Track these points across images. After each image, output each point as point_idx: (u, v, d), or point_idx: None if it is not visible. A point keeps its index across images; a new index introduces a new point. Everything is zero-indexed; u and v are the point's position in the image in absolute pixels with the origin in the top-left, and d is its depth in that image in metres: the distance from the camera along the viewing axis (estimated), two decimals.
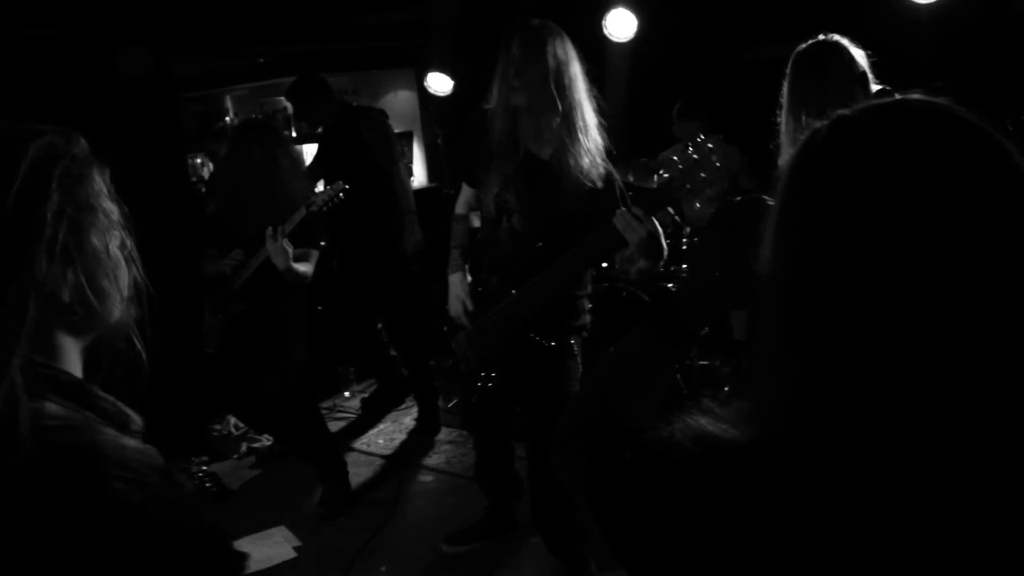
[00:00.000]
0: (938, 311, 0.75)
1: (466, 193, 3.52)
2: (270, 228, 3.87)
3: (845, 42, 3.06)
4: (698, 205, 5.27)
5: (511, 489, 3.89)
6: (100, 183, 1.13)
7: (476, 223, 3.53)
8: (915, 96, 0.84)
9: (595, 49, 5.92)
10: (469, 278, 3.41)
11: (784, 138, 3.15)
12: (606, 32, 5.74)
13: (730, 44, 5.96)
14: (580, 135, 3.03)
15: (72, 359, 1.11)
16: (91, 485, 0.99)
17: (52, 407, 1.01)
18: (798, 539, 0.80)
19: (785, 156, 3.14)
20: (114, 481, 0.99)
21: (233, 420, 5.47)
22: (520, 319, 3.15)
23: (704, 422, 0.92)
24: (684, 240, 5.17)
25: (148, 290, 1.20)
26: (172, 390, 4.36)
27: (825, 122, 0.86)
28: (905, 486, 0.77)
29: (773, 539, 0.81)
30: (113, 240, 1.13)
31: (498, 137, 3.14)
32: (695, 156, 2.55)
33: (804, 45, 3.07)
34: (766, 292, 0.87)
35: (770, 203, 1.02)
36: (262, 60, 7.59)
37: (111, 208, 1.14)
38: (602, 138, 3.12)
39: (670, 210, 5.21)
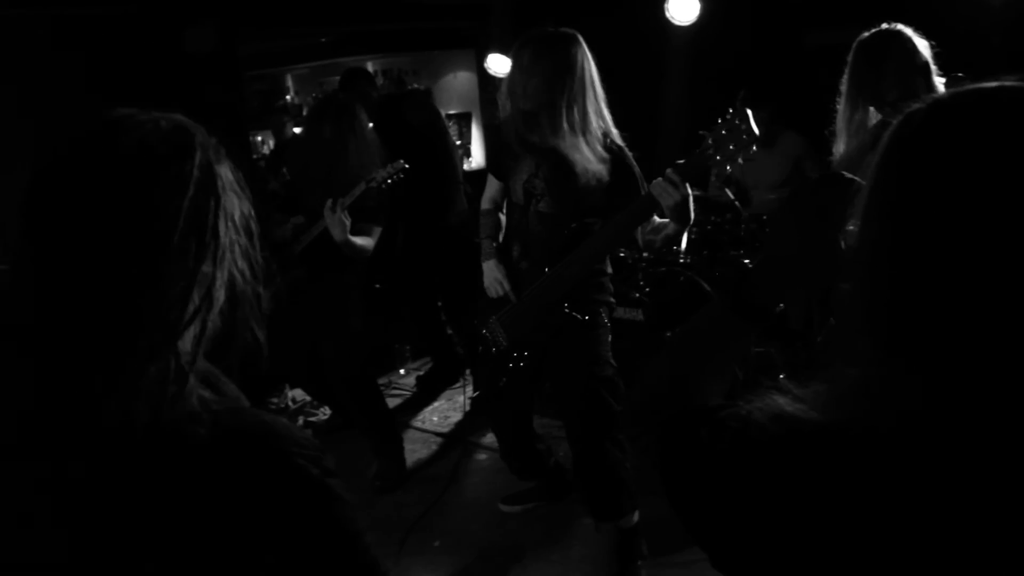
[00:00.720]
0: None
1: (492, 188, 3.69)
2: (329, 200, 3.95)
3: (909, 32, 3.02)
4: (771, 196, 5.24)
5: (538, 467, 4.01)
6: (228, 169, 1.14)
7: (502, 218, 3.70)
8: (1012, 83, 0.83)
9: (657, 32, 5.91)
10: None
11: (840, 124, 3.13)
12: (668, 15, 5.70)
13: (794, 28, 5.88)
14: (581, 137, 3.17)
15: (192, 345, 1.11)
16: (280, 462, 1.04)
17: (204, 392, 1.06)
18: (885, 525, 0.79)
19: (840, 143, 3.11)
20: (297, 457, 1.04)
21: (291, 393, 5.57)
22: (553, 297, 3.30)
23: (782, 402, 0.92)
24: (743, 226, 5.13)
25: (271, 273, 1.23)
26: (230, 363, 4.43)
27: (920, 105, 0.85)
28: (1017, 480, 0.75)
29: (854, 523, 0.81)
30: (236, 223, 1.13)
31: (513, 139, 3.33)
32: (723, 130, 2.75)
33: (867, 33, 3.04)
34: (852, 271, 0.87)
35: (849, 179, 1.01)
36: (324, 40, 7.65)
37: (241, 194, 1.15)
38: (608, 134, 3.26)
39: (730, 194, 5.20)
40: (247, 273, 1.14)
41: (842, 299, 0.88)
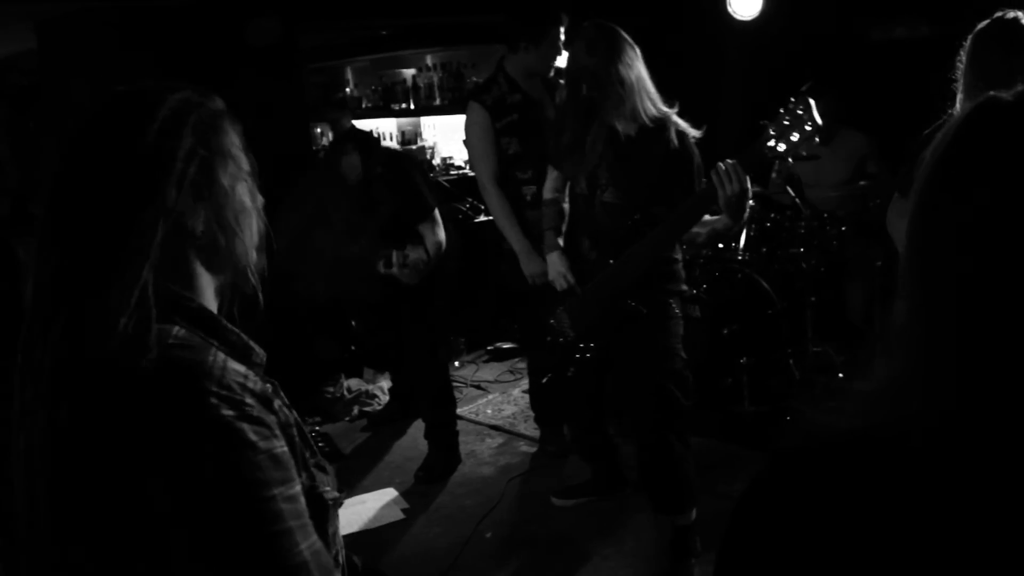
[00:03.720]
0: None
1: (552, 178, 3.67)
2: (381, 263, 4.23)
3: None
4: (831, 193, 5.16)
5: (610, 455, 4.06)
6: (233, 135, 1.29)
7: (565, 207, 3.67)
8: None
9: (719, 27, 5.86)
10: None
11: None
12: (730, 10, 5.65)
13: (860, 24, 5.78)
14: (644, 115, 3.22)
15: (207, 294, 1.26)
16: (191, 396, 1.10)
17: (178, 329, 1.16)
18: (923, 535, 0.77)
19: None
20: (211, 396, 1.10)
21: (346, 383, 5.63)
22: (619, 287, 3.30)
23: (815, 414, 0.89)
24: (803, 224, 5.07)
25: (270, 239, 1.35)
26: (287, 350, 4.51)
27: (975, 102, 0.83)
28: None
29: (892, 534, 0.79)
30: (241, 186, 1.27)
31: (573, 124, 3.35)
32: (785, 120, 2.78)
33: (988, 21, 2.94)
34: (901, 267, 0.86)
35: None
36: (384, 32, 7.70)
37: (242, 157, 1.29)
38: (666, 116, 3.28)
39: (790, 191, 5.14)
40: (249, 229, 1.29)
41: (896, 291, 0.87)
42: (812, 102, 2.79)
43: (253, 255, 1.30)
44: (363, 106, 8.25)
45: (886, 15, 5.71)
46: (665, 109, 3.26)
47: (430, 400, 4.67)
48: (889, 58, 5.63)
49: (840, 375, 4.78)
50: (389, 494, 4.36)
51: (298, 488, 1.15)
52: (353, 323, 5.92)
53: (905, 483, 0.79)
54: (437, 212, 4.43)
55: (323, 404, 5.42)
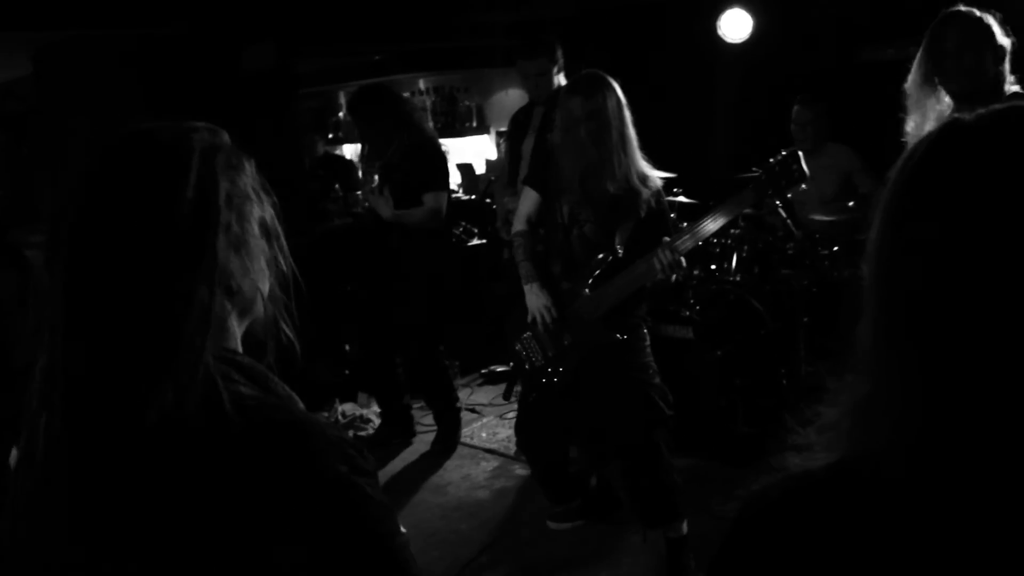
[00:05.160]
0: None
1: (529, 203, 3.69)
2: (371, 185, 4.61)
3: (982, 13, 3.06)
4: (818, 216, 5.19)
5: (573, 491, 4.11)
6: (252, 171, 1.19)
7: (537, 235, 3.72)
8: None
9: (709, 50, 5.91)
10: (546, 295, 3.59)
11: (911, 102, 3.17)
12: (720, 33, 5.71)
13: (849, 45, 5.83)
14: (634, 177, 3.38)
15: (238, 345, 1.18)
16: (308, 458, 1.05)
17: (245, 389, 1.08)
18: (899, 562, 0.79)
19: (910, 122, 3.16)
20: (324, 455, 1.06)
21: (340, 408, 5.62)
22: (592, 317, 3.43)
23: (791, 459, 0.91)
24: (794, 244, 5.09)
25: (296, 277, 1.25)
26: (281, 375, 4.52)
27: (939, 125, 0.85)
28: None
29: (875, 562, 0.80)
30: (262, 226, 1.19)
31: (567, 175, 3.44)
32: (776, 168, 3.04)
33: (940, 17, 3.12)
34: (865, 290, 0.87)
35: None
36: (377, 58, 7.74)
37: (261, 194, 1.20)
38: (646, 177, 3.45)
39: (782, 213, 5.17)
40: (271, 276, 1.20)
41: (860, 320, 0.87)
42: (801, 155, 3.01)
43: (264, 304, 1.20)
44: (331, 135, 8.30)
45: (876, 37, 5.76)
46: (646, 169, 3.42)
47: (432, 393, 5.21)
48: (879, 79, 5.67)
49: (825, 397, 4.77)
50: None
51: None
52: (347, 347, 5.93)
53: (878, 521, 0.79)
54: (444, 193, 4.75)
55: None
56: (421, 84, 8.37)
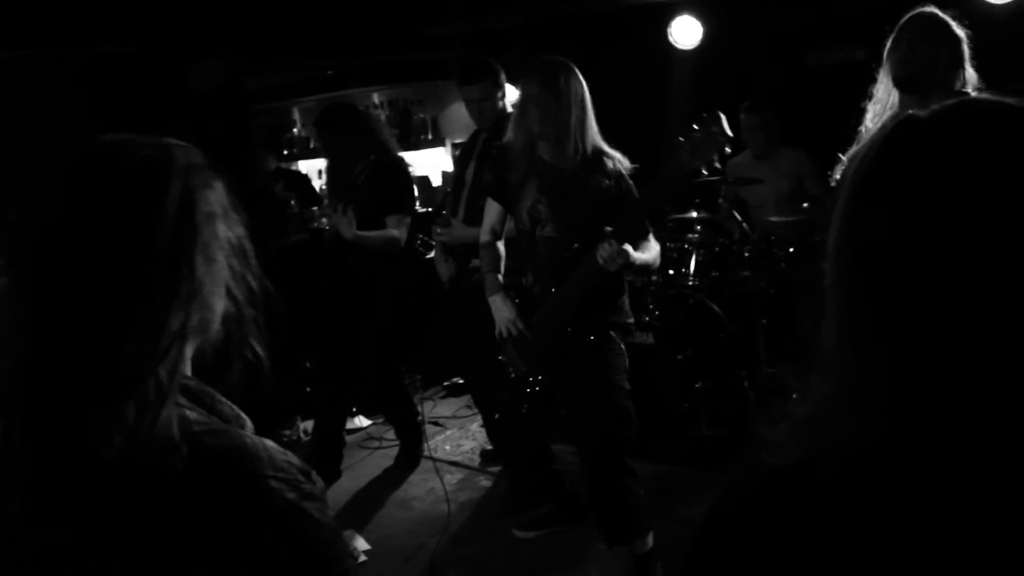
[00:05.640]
0: (983, 316, 0.73)
1: (492, 214, 3.66)
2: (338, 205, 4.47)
3: (939, 12, 3.16)
4: (773, 218, 5.24)
5: (552, 489, 4.10)
6: (221, 190, 1.16)
7: (501, 248, 3.68)
8: (984, 96, 0.83)
9: (660, 56, 5.95)
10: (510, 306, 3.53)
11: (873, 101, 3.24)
12: (671, 39, 5.75)
13: (796, 50, 5.91)
14: (590, 156, 3.34)
15: (187, 363, 1.14)
16: (251, 485, 1.03)
17: (191, 414, 1.06)
18: (868, 554, 0.78)
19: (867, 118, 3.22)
20: (271, 480, 1.04)
21: (302, 425, 5.57)
22: (560, 320, 3.37)
23: (761, 455, 0.91)
24: (751, 247, 5.13)
25: (262, 295, 1.22)
26: (230, 384, 4.47)
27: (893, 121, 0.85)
28: (994, 503, 0.74)
29: (844, 556, 0.80)
30: (227, 245, 1.15)
31: (523, 163, 3.41)
32: (698, 135, 2.95)
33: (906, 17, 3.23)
34: (827, 289, 0.86)
35: None
36: (330, 72, 7.71)
37: (231, 214, 1.17)
38: (611, 156, 3.41)
39: (737, 216, 5.21)
40: (241, 294, 1.17)
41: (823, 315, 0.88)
42: (722, 116, 2.95)
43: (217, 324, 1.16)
44: (311, 146, 8.23)
45: (822, 41, 5.83)
46: (603, 145, 3.36)
47: (391, 405, 5.15)
48: (826, 82, 5.75)
49: (795, 396, 4.83)
50: (351, 536, 4.31)
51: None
52: (308, 364, 5.87)
53: (845, 517, 0.79)
54: (407, 218, 4.71)
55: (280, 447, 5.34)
56: (375, 98, 8.33)
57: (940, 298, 0.75)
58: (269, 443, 1.09)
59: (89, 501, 1.00)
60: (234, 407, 1.14)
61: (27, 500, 1.01)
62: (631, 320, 3.55)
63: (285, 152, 8.17)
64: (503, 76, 4.35)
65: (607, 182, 3.32)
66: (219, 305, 1.15)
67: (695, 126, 2.98)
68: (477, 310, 3.80)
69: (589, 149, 3.31)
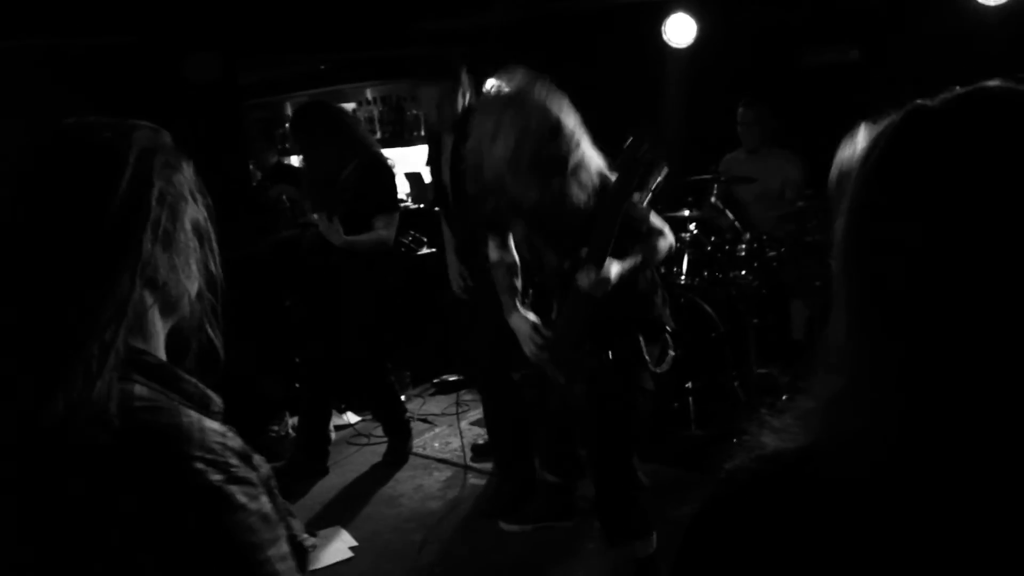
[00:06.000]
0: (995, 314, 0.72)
1: (494, 238, 3.54)
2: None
3: None
4: (770, 213, 5.25)
5: (575, 470, 4.00)
6: (189, 172, 1.22)
7: (514, 263, 3.53)
8: (994, 83, 0.80)
9: (654, 55, 5.94)
10: (531, 316, 3.37)
11: None
12: (665, 38, 5.74)
13: (790, 50, 5.91)
14: (570, 178, 3.07)
15: (159, 342, 1.18)
16: (174, 463, 1.04)
17: (139, 388, 1.09)
18: (874, 553, 0.77)
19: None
20: (196, 461, 1.05)
21: (291, 421, 5.55)
22: (571, 340, 3.24)
23: (764, 438, 0.89)
24: (743, 246, 5.12)
25: (221, 280, 1.26)
26: (231, 389, 4.45)
27: (900, 112, 0.82)
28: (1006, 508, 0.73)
29: (849, 552, 0.78)
30: (193, 228, 1.20)
31: (494, 191, 3.15)
32: (630, 160, 2.87)
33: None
34: (836, 284, 0.84)
35: None
36: (323, 67, 7.69)
37: (196, 196, 1.22)
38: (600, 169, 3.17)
39: (729, 215, 5.20)
40: (199, 277, 1.22)
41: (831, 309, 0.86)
42: (651, 131, 2.86)
43: (191, 304, 1.22)
44: (285, 145, 8.22)
45: (817, 41, 5.84)
46: (583, 158, 3.11)
47: (380, 405, 5.16)
48: (819, 81, 5.76)
49: (785, 396, 4.83)
50: (337, 532, 4.29)
51: (286, 545, 1.13)
52: (297, 360, 5.85)
53: (853, 510, 0.78)
54: (395, 216, 4.66)
55: (268, 444, 5.33)
56: (368, 94, 8.33)
57: (954, 295, 0.73)
58: (211, 425, 1.10)
59: (18, 464, 1.04)
60: (200, 385, 1.17)
61: None
62: (662, 314, 3.37)
63: (279, 147, 8.16)
64: (464, 73, 4.14)
65: (585, 199, 3.07)
66: (186, 284, 1.19)
67: (624, 148, 2.87)
68: (486, 305, 3.76)
69: (575, 167, 3.06)
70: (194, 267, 1.20)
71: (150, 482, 1.03)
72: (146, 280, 1.11)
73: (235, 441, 1.11)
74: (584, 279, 2.96)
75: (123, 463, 1.03)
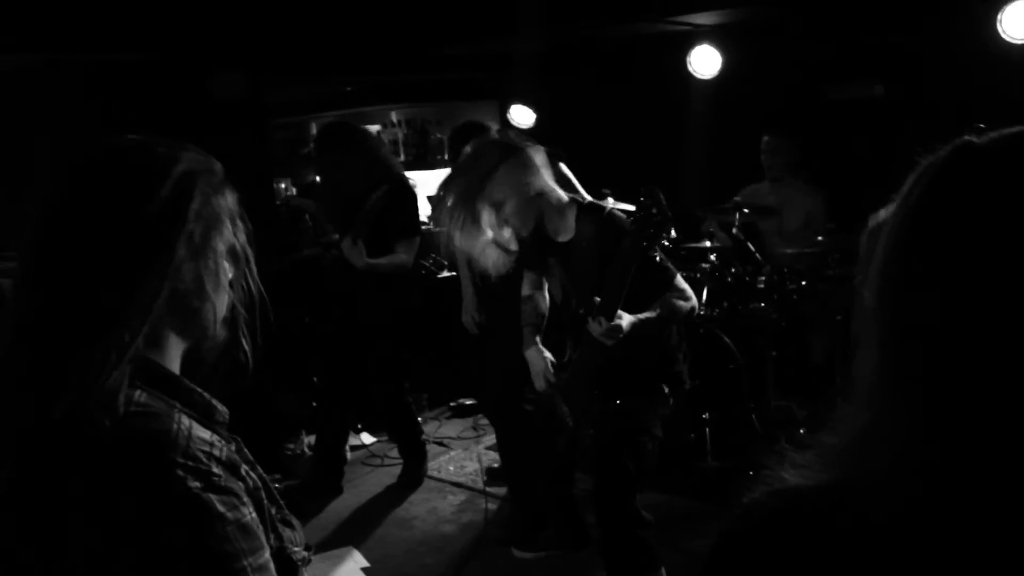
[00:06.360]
0: None
1: (530, 275, 3.68)
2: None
3: None
4: (788, 249, 5.23)
5: (560, 514, 4.03)
6: (232, 200, 1.28)
7: (543, 301, 3.68)
8: None
9: (679, 85, 5.96)
10: (547, 354, 3.46)
11: None
12: (690, 69, 5.75)
13: (815, 83, 5.91)
14: (557, 216, 3.35)
15: (174, 354, 1.22)
16: (157, 469, 1.08)
17: (139, 394, 1.13)
18: None
19: None
20: (178, 468, 1.08)
21: (307, 439, 5.56)
22: (585, 386, 3.31)
23: (783, 473, 0.87)
24: (763, 278, 5.11)
25: (263, 301, 1.33)
26: (249, 407, 4.47)
27: (947, 147, 0.81)
28: None
29: None
30: (227, 254, 1.25)
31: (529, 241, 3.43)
32: (642, 218, 2.97)
33: None
34: (867, 318, 0.83)
35: None
36: (349, 88, 7.74)
37: (238, 225, 1.28)
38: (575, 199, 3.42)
39: (750, 247, 5.19)
40: (236, 297, 1.28)
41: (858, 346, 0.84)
42: (659, 194, 2.95)
43: (218, 327, 1.27)
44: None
45: (842, 76, 5.84)
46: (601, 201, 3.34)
47: (397, 426, 5.15)
48: (843, 116, 5.76)
49: (802, 430, 4.79)
50: (349, 552, 4.29)
51: (267, 556, 1.14)
52: (315, 379, 5.87)
53: (877, 551, 0.76)
54: (416, 240, 4.71)
55: (284, 461, 5.34)
56: (393, 116, 8.38)
57: (996, 341, 0.72)
58: (200, 433, 1.13)
59: (23, 452, 1.09)
60: (205, 395, 1.21)
61: None
62: (682, 371, 3.45)
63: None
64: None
65: (608, 244, 3.19)
66: (214, 304, 1.24)
67: (636, 206, 2.99)
68: (502, 335, 3.80)
69: (556, 206, 3.31)
70: (222, 285, 1.24)
71: (134, 485, 1.06)
72: (171, 288, 1.15)
73: (223, 451, 1.14)
74: (595, 327, 3.02)
75: (113, 464, 1.07)
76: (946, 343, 0.74)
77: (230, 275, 1.27)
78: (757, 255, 5.26)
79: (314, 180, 6.91)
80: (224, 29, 5.30)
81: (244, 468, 1.17)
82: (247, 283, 1.30)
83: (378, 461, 5.47)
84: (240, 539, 1.09)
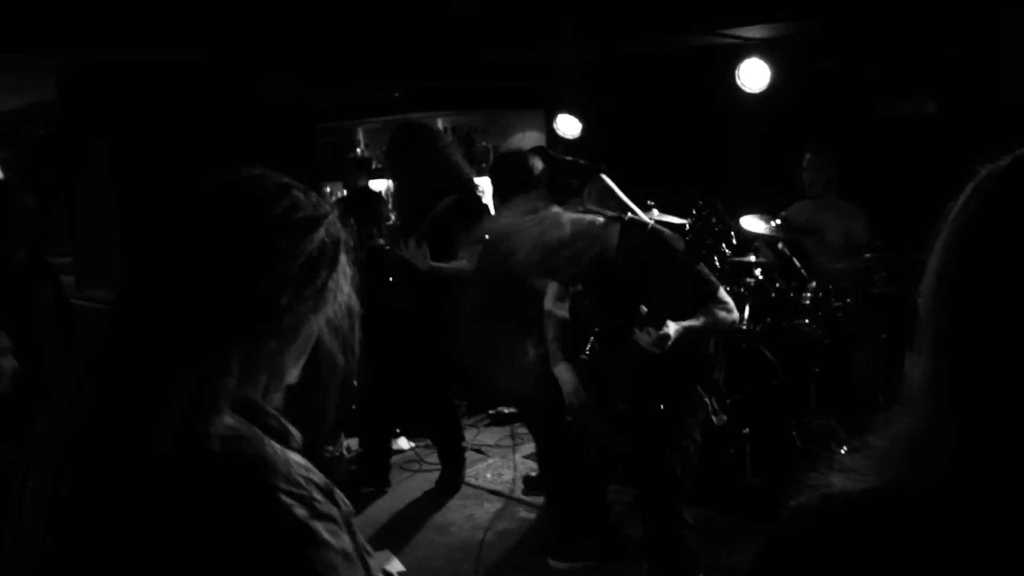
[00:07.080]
0: None
1: (553, 287, 3.73)
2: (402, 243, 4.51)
3: None
4: (837, 265, 5.19)
5: (597, 524, 4.06)
6: (345, 263, 1.24)
7: (564, 314, 3.71)
8: None
9: (727, 98, 5.94)
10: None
11: None
12: (739, 82, 5.72)
13: (865, 99, 5.86)
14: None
15: (257, 384, 1.18)
16: (260, 495, 1.03)
17: (227, 419, 1.08)
18: None
19: None
20: (281, 494, 1.03)
21: (346, 442, 5.59)
22: (624, 392, 3.35)
23: (832, 478, 0.87)
24: (807, 295, 5.06)
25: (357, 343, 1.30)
26: (286, 407, 4.50)
27: (1008, 157, 0.81)
28: None
29: None
30: (318, 314, 1.21)
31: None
32: (700, 228, 2.96)
33: None
34: (922, 324, 0.83)
35: None
36: (397, 95, 7.80)
37: (341, 287, 1.24)
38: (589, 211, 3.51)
39: (796, 262, 5.15)
40: (337, 345, 1.25)
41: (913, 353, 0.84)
42: (718, 204, 2.94)
43: (289, 375, 1.23)
44: (374, 167, 8.33)
45: (892, 91, 5.78)
46: (641, 216, 3.37)
47: (440, 431, 5.19)
48: (894, 133, 5.70)
49: (843, 449, 4.73)
50: (386, 557, 4.30)
51: None
52: (355, 382, 5.90)
53: (926, 554, 0.76)
54: (479, 248, 4.65)
55: (323, 464, 5.37)
56: (439, 123, 8.42)
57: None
58: (296, 458, 1.09)
59: (117, 484, 1.04)
60: (281, 419, 1.16)
61: (85, 483, 1.06)
62: (718, 377, 3.48)
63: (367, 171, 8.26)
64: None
65: (652, 258, 3.24)
66: (290, 359, 1.20)
67: (693, 215, 2.99)
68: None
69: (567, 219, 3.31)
70: (301, 347, 1.22)
71: (234, 513, 1.02)
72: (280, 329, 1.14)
73: (318, 476, 1.10)
74: (644, 337, 3.03)
75: (207, 491, 1.02)
76: (1000, 353, 0.75)
77: (318, 335, 1.24)
78: (803, 271, 5.21)
79: (366, 185, 6.96)
80: (276, 33, 5.37)
81: (338, 493, 1.13)
82: (349, 337, 1.28)
83: (416, 466, 5.49)
84: (345, 567, 1.06)
